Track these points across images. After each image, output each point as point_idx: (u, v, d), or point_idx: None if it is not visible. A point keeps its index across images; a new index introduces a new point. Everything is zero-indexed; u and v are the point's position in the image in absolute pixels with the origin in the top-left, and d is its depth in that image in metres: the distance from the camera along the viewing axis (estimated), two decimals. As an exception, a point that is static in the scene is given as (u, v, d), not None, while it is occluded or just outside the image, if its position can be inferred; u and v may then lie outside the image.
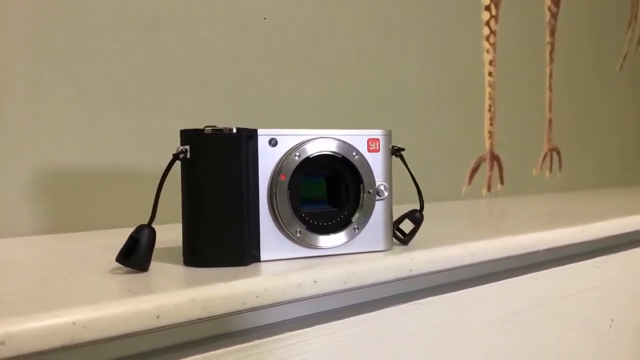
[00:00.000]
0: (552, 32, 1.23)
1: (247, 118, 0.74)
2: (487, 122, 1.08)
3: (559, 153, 1.26)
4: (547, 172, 1.23)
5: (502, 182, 1.11)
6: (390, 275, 0.42)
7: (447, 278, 0.50)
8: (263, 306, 0.35)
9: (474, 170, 1.06)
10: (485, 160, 1.08)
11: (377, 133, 0.43)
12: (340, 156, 0.41)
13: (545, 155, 1.23)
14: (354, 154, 0.42)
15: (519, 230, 0.55)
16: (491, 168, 1.09)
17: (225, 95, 0.73)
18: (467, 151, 1.05)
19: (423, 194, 0.46)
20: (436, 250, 0.45)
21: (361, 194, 0.42)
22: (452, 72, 1.02)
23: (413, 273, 0.43)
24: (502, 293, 0.52)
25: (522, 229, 0.57)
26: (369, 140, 0.43)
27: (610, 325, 0.64)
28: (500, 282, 0.52)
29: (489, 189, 1.09)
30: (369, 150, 0.43)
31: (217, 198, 0.38)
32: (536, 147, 1.21)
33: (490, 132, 1.08)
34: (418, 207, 0.47)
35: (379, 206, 0.43)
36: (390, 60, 0.92)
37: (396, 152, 0.45)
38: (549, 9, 1.22)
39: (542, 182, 1.22)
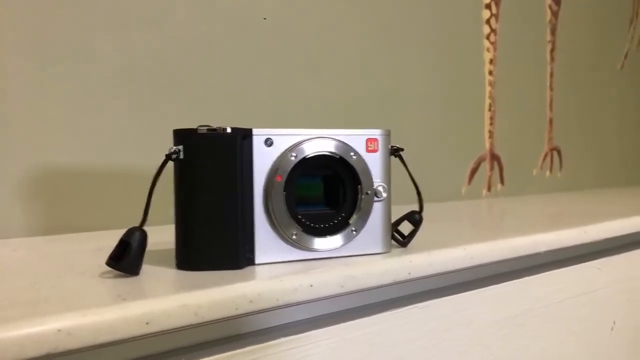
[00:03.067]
0: (553, 31, 1.22)
1: (244, 118, 0.73)
2: (487, 121, 1.07)
3: (559, 153, 1.25)
4: (548, 172, 1.22)
5: (502, 182, 1.10)
6: (389, 279, 0.41)
7: (446, 281, 0.49)
8: (257, 311, 0.34)
9: (474, 170, 1.05)
10: (485, 160, 1.07)
11: (375, 133, 0.42)
12: (338, 156, 0.40)
13: (546, 155, 1.22)
14: (352, 154, 0.41)
15: (519, 232, 0.54)
16: (491, 168, 1.08)
17: (221, 95, 0.72)
18: (467, 151, 1.04)
19: (422, 194, 0.45)
20: (435, 253, 0.44)
21: (359, 195, 0.41)
22: (452, 70, 1.01)
23: (412, 276, 0.42)
24: (502, 296, 0.51)
25: (522, 230, 0.56)
26: (367, 140, 0.42)
27: (612, 328, 0.63)
28: (500, 284, 0.51)
29: (489, 189, 1.08)
30: (368, 151, 0.42)
31: (210, 199, 0.37)
32: (537, 147, 1.20)
33: (490, 131, 1.07)
34: (417, 208, 0.46)
35: (378, 208, 0.42)
36: (390, 59, 0.91)
37: (395, 152, 0.44)
38: (550, 7, 1.21)
39: (543, 182, 1.21)
